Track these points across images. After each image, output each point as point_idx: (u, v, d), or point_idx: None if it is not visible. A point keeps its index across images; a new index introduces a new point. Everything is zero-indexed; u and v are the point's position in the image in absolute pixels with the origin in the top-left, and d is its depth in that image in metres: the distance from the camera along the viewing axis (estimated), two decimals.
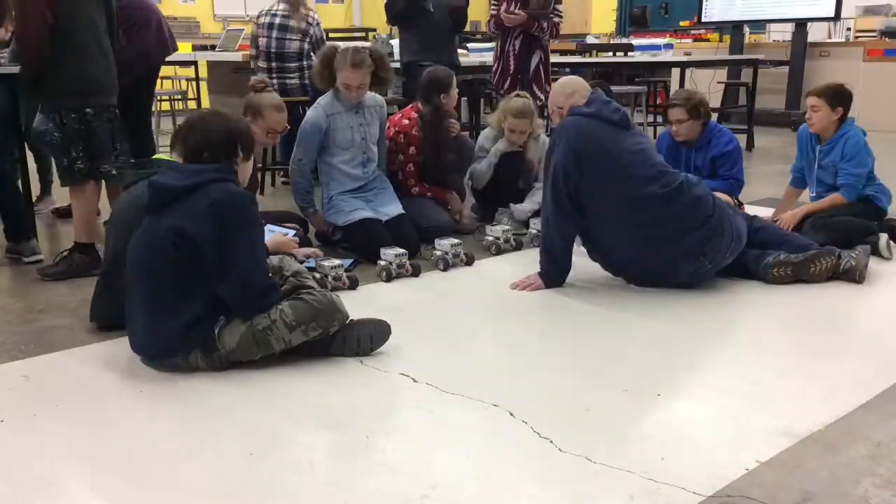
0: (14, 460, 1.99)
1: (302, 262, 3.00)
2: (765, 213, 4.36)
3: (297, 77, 5.43)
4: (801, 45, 8.89)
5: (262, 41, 5.34)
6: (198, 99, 8.46)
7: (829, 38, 9.67)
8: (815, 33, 9.21)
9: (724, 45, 9.87)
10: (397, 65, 5.42)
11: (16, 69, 3.51)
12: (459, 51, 5.93)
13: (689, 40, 10.33)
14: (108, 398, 2.32)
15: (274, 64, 5.33)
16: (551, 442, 2.02)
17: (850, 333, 2.88)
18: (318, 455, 2.00)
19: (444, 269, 3.59)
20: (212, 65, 6.86)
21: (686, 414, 2.22)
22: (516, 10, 5.07)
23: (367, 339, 2.57)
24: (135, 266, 2.46)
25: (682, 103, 4.07)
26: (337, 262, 3.31)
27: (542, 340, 2.85)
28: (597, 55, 9.39)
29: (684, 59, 7.36)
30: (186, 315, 2.38)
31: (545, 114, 5.41)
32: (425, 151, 4.20)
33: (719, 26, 10.00)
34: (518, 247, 3.95)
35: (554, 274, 3.29)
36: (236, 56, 6.24)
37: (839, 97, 3.93)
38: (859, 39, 9.42)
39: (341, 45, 3.90)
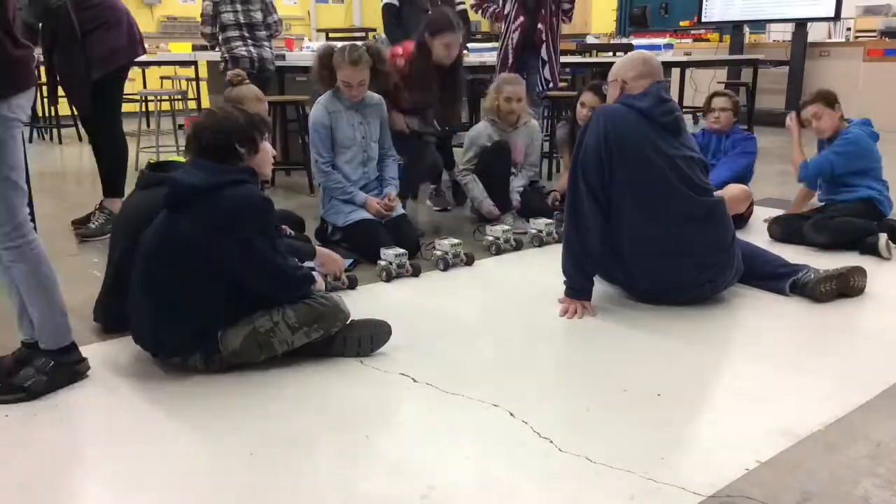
0: (14, 460, 1.99)
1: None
2: (765, 213, 4.37)
3: (269, 47, 5.89)
4: (801, 45, 8.89)
5: (230, 16, 5.68)
6: (198, 99, 8.45)
7: (829, 38, 9.67)
8: (815, 33, 9.22)
9: (724, 45, 9.87)
10: None
11: None
12: None
13: (689, 40, 10.33)
14: (108, 398, 2.32)
15: (246, 32, 5.74)
16: (551, 442, 2.02)
17: (850, 333, 2.88)
18: (318, 455, 2.01)
19: (444, 269, 3.59)
20: (212, 65, 6.86)
21: (686, 414, 2.22)
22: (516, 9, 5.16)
23: (368, 339, 2.57)
24: (144, 258, 2.43)
25: (731, 95, 4.60)
26: None
27: (542, 340, 2.85)
28: (597, 55, 9.38)
29: (684, 59, 7.36)
30: (190, 317, 2.38)
31: (541, 98, 5.46)
32: (408, 84, 4.36)
33: (719, 26, 10.00)
34: (518, 247, 3.95)
35: (581, 282, 3.03)
36: None
37: (831, 96, 4.03)
38: (859, 39, 9.41)
39: (338, 44, 3.91)
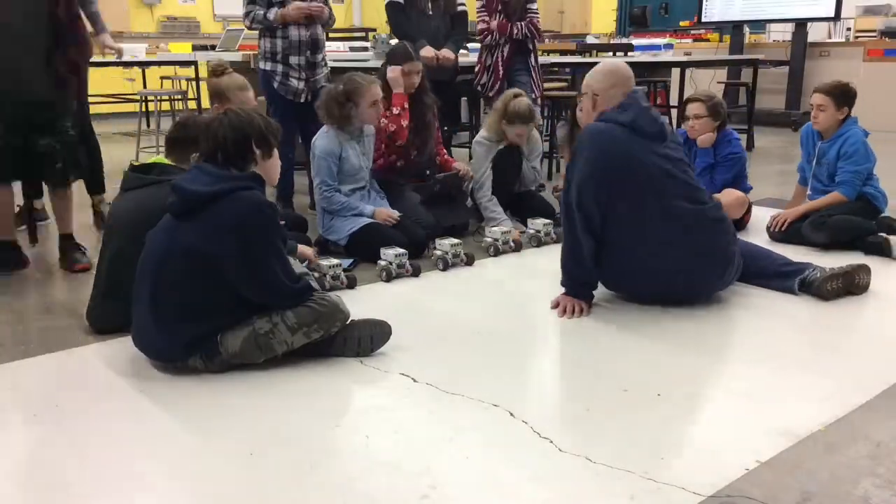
0: (15, 460, 1.99)
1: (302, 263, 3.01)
2: (765, 213, 4.37)
3: None
4: (801, 45, 8.89)
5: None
6: (198, 99, 8.44)
7: (829, 38, 9.66)
8: (815, 33, 9.22)
9: (724, 45, 9.87)
10: None
11: None
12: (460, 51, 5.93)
13: (689, 40, 10.33)
14: (108, 398, 2.32)
15: None
16: (551, 442, 2.02)
17: (850, 333, 2.88)
18: (318, 455, 2.00)
19: (444, 269, 3.59)
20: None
21: (686, 414, 2.22)
22: (501, 21, 5.17)
23: (368, 339, 2.57)
24: (151, 268, 2.42)
25: (705, 100, 4.15)
26: (335, 261, 3.31)
27: (541, 340, 2.85)
28: (597, 55, 9.36)
29: (684, 59, 7.36)
30: (192, 321, 2.38)
31: (540, 106, 5.44)
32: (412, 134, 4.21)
33: (719, 26, 9.99)
34: (517, 248, 3.95)
35: (581, 286, 3.04)
36: (236, 56, 6.23)
37: (845, 97, 3.95)
38: (859, 39, 9.41)
39: (330, 86, 3.98)
